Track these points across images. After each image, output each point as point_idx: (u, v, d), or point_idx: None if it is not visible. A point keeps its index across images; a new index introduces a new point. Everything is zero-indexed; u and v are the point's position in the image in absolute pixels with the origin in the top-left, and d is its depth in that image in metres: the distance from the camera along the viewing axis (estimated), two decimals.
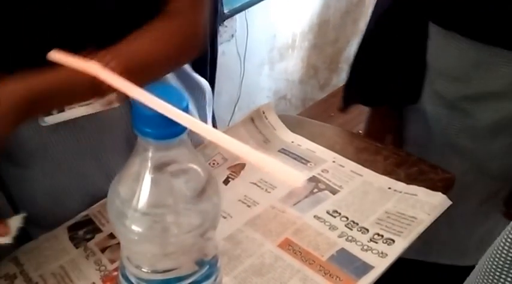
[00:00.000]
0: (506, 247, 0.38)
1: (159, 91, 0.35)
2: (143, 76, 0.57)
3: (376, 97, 0.91)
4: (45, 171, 0.68)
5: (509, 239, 0.38)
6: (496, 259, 0.40)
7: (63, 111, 0.63)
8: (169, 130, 0.35)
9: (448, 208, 0.64)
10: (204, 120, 0.91)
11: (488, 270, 0.40)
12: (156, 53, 0.64)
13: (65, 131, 0.68)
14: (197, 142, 0.77)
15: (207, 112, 0.89)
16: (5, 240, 0.53)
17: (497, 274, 0.39)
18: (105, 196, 0.42)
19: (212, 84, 0.93)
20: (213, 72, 0.96)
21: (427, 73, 0.84)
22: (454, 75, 0.80)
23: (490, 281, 0.40)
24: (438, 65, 0.82)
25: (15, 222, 0.54)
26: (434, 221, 0.63)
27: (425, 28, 0.81)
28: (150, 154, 0.37)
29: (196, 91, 0.86)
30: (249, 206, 0.68)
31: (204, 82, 0.88)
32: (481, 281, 0.40)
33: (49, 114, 0.63)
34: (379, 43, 0.85)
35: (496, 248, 0.40)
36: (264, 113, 0.84)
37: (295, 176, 0.31)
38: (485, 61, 0.75)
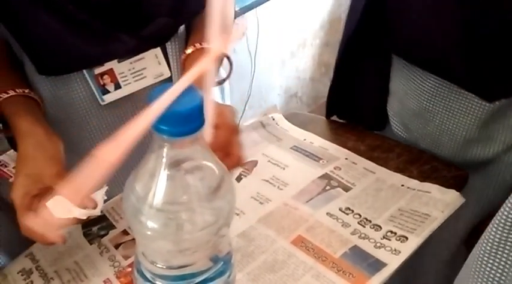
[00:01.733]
0: (493, 233, 0.39)
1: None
2: None
3: (350, 115, 0.88)
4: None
5: (501, 224, 0.38)
6: (483, 246, 0.40)
7: (120, 87, 0.69)
8: (185, 127, 0.36)
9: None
10: None
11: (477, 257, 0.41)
12: None
13: (123, 108, 0.72)
14: None
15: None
16: (95, 212, 0.56)
17: (485, 259, 0.40)
18: None
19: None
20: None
21: (390, 102, 0.82)
22: (413, 108, 0.76)
23: (478, 267, 0.40)
24: (399, 95, 0.78)
25: (100, 195, 0.57)
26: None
27: (389, 56, 0.78)
28: (165, 151, 0.37)
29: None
30: (261, 203, 0.68)
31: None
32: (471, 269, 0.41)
33: (106, 92, 0.68)
34: (348, 65, 0.82)
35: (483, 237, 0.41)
36: (274, 120, 0.85)
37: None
38: (444, 97, 0.71)
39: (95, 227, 0.67)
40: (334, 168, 0.73)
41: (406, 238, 0.60)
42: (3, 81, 0.64)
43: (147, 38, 0.68)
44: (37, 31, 0.63)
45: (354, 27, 0.75)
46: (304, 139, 0.81)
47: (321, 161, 0.75)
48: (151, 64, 0.70)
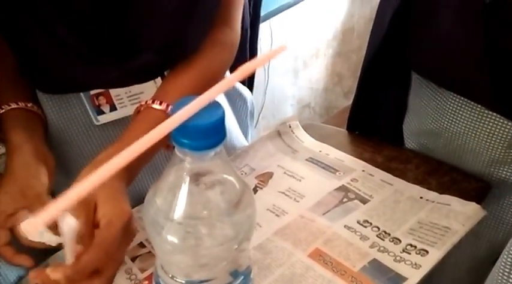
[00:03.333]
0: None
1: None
2: None
3: (371, 132, 0.87)
4: None
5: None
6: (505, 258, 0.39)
7: (115, 109, 0.68)
8: (206, 141, 0.35)
9: None
10: (245, 128, 0.91)
11: None
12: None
13: (118, 130, 0.70)
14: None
15: (248, 120, 0.90)
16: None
17: None
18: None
19: (251, 89, 0.93)
20: (252, 79, 0.96)
21: (407, 120, 0.81)
22: (433, 128, 0.74)
23: None
24: (418, 114, 0.77)
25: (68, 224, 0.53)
26: None
27: (408, 74, 0.77)
28: (186, 165, 0.37)
29: (238, 101, 0.86)
30: (277, 215, 0.68)
31: (245, 91, 0.88)
32: None
33: (101, 112, 0.68)
34: (371, 82, 0.82)
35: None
36: (290, 127, 0.85)
37: (278, 47, 0.32)
38: (466, 117, 0.69)
39: None
40: (351, 180, 0.73)
41: (427, 252, 0.59)
42: (8, 94, 0.64)
43: (131, 72, 0.66)
44: (31, 49, 0.63)
45: (378, 44, 0.75)
46: (320, 151, 0.80)
47: (337, 173, 0.74)
48: (149, 89, 0.68)
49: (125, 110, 0.69)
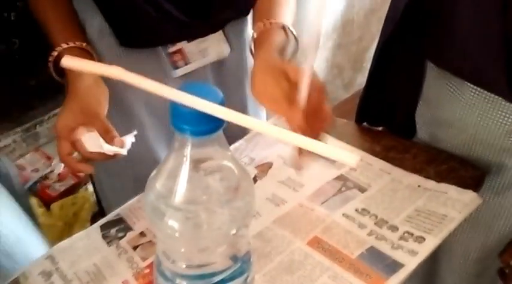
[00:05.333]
0: None
1: (193, 90, 0.36)
2: None
3: (380, 122, 0.88)
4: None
5: None
6: None
7: (188, 63, 0.80)
8: (206, 126, 0.36)
9: None
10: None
11: None
12: None
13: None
14: None
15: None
16: (122, 152, 0.67)
17: None
18: None
19: None
20: None
21: (420, 110, 0.81)
22: (446, 118, 0.75)
23: None
24: (432, 104, 0.78)
25: (129, 138, 0.68)
26: None
27: (422, 63, 0.77)
28: (186, 150, 0.38)
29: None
30: (277, 204, 0.69)
31: None
32: None
33: (177, 67, 0.80)
34: (383, 71, 0.81)
35: None
36: None
37: (348, 157, 0.32)
38: (479, 107, 0.70)
39: (113, 230, 0.67)
40: (350, 169, 0.73)
41: (424, 239, 0.60)
42: (65, 34, 0.72)
43: (211, 26, 0.79)
44: (122, 5, 0.72)
45: (391, 31, 0.75)
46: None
47: (336, 162, 0.75)
48: (214, 43, 0.82)
49: (197, 63, 0.81)
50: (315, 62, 0.50)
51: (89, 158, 0.66)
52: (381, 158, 0.75)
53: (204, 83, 0.82)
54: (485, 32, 0.63)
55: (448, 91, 0.73)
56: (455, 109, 0.72)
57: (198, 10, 0.75)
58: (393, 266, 0.57)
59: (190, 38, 0.80)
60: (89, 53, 0.73)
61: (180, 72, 0.81)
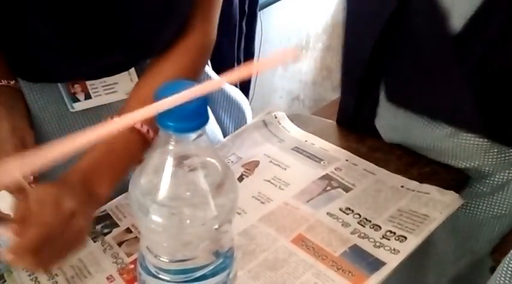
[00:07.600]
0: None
1: (175, 88, 0.36)
2: None
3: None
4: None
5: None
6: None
7: (90, 98, 0.70)
8: (190, 123, 0.37)
9: None
10: None
11: None
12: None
13: (93, 117, 0.72)
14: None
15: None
16: None
17: None
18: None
19: (247, 90, 0.95)
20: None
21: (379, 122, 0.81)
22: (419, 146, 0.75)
23: None
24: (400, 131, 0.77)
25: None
26: None
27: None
28: (170, 147, 0.38)
29: (237, 112, 0.88)
30: (262, 202, 0.69)
31: (244, 103, 0.90)
32: None
33: (77, 100, 0.69)
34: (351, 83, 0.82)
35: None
36: (276, 117, 0.86)
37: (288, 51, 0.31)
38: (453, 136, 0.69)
39: (98, 226, 0.68)
40: (335, 169, 0.74)
41: (405, 238, 0.61)
42: None
43: (101, 68, 0.68)
44: (9, 37, 0.63)
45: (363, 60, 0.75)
46: (306, 141, 0.81)
47: (321, 162, 0.76)
48: (123, 80, 0.70)
49: (100, 99, 0.71)
50: None
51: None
52: (366, 159, 0.76)
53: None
54: (446, 73, 0.63)
55: (401, 118, 0.72)
56: (409, 136, 0.73)
57: (98, 46, 0.64)
58: (375, 264, 0.58)
59: (94, 77, 0.69)
60: (17, 90, 0.67)
61: (78, 106, 0.70)
